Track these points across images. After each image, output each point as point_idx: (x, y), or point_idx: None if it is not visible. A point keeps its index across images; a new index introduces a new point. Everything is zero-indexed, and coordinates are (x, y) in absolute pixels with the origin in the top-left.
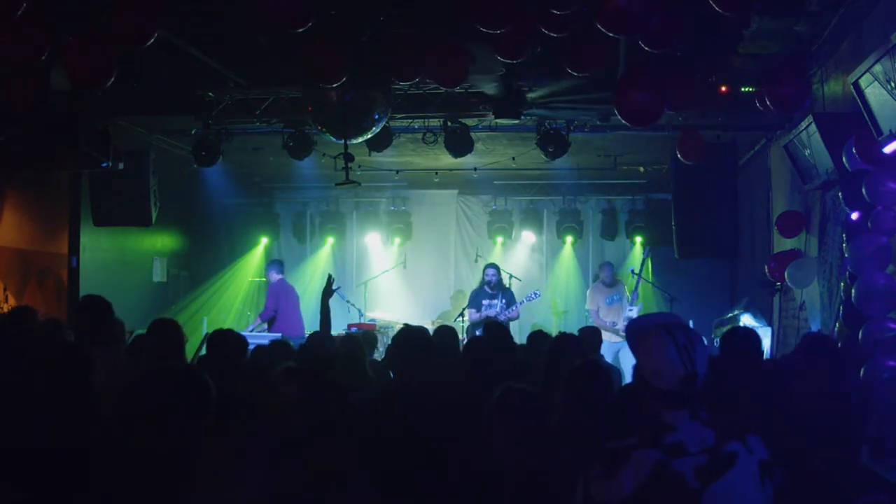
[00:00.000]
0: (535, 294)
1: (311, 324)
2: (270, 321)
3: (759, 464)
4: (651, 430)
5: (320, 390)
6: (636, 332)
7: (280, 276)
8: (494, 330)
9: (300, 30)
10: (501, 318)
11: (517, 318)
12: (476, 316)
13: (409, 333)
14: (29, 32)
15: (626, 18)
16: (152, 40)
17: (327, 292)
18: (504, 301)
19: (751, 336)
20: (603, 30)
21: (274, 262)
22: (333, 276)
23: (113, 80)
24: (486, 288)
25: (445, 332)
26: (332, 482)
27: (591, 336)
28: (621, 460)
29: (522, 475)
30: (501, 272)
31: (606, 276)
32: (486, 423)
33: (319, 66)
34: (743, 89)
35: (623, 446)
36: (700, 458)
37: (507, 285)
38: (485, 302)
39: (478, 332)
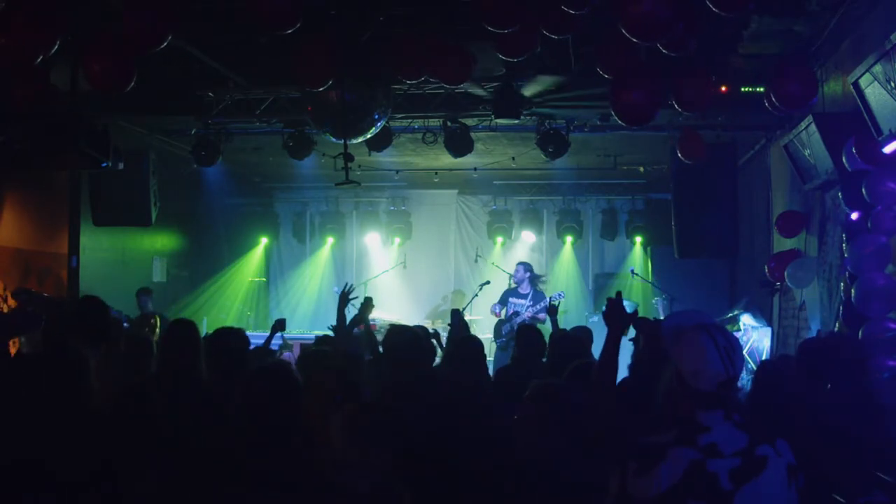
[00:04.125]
0: (560, 295)
1: (311, 322)
2: None
3: (787, 467)
4: (686, 429)
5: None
6: (672, 330)
7: None
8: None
9: (289, 31)
10: (525, 316)
11: (543, 321)
12: (496, 307)
13: (400, 334)
14: (30, 32)
15: (652, 24)
16: (165, 43)
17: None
18: (531, 303)
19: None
20: (628, 35)
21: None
22: (333, 279)
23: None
24: (518, 288)
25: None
26: None
27: (586, 335)
28: (657, 456)
29: (550, 469)
30: (531, 270)
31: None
32: (519, 416)
33: (310, 68)
34: (743, 89)
35: (658, 442)
36: (734, 460)
37: (509, 285)
38: (511, 299)
39: (505, 329)
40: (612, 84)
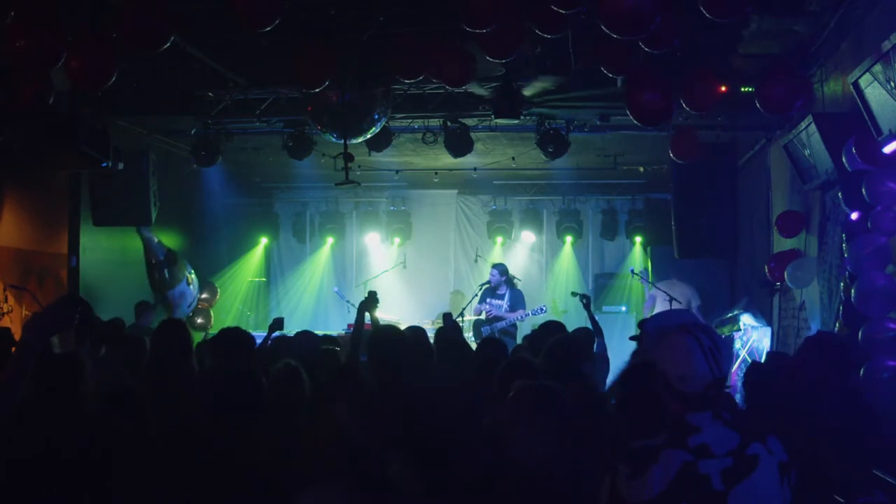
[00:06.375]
0: (542, 309)
1: (311, 322)
2: None
3: (779, 465)
4: (676, 430)
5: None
6: (654, 333)
7: None
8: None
9: (266, 28)
10: (505, 322)
11: (522, 320)
12: (478, 308)
13: (384, 335)
14: (44, 35)
15: (631, 20)
16: (168, 44)
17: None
18: (509, 304)
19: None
20: (607, 31)
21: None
22: (333, 279)
23: (112, 80)
24: (496, 289)
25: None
26: None
27: (586, 336)
28: (649, 459)
29: (540, 472)
30: (506, 273)
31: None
32: (507, 417)
33: (310, 69)
34: (743, 89)
35: (650, 445)
36: (725, 460)
37: (487, 285)
38: (488, 300)
39: (484, 331)
40: (628, 85)
